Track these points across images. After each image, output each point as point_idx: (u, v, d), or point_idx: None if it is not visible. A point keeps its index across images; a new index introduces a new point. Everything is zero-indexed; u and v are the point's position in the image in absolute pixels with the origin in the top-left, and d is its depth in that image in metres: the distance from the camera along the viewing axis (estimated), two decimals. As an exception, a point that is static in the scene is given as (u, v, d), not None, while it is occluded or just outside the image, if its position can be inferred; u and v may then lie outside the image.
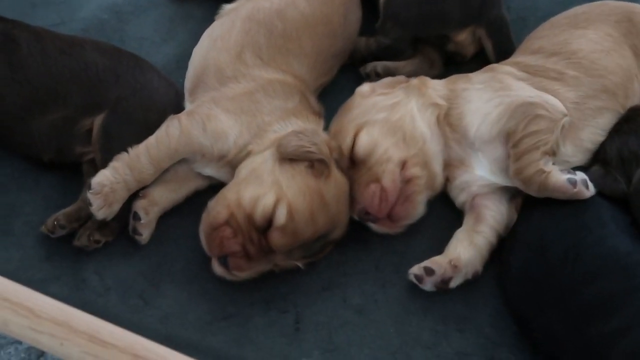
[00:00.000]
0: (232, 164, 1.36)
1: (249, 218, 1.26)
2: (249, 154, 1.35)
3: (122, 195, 1.30)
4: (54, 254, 1.34)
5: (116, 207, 1.30)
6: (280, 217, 1.25)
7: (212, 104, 1.38)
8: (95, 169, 1.37)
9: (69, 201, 1.37)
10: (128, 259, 1.34)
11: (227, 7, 1.61)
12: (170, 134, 1.34)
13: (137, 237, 1.34)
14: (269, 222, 1.25)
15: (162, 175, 1.37)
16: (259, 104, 1.39)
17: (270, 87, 1.42)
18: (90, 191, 1.28)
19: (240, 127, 1.36)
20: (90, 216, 1.32)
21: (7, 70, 1.39)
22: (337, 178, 1.32)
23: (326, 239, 1.30)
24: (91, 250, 1.33)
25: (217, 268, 1.28)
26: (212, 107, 1.37)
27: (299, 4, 1.53)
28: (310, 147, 1.30)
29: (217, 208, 1.28)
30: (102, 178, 1.29)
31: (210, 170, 1.39)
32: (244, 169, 1.33)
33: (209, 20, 1.62)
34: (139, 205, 1.33)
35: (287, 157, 1.30)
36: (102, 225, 1.31)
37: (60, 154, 1.40)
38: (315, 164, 1.29)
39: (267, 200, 1.26)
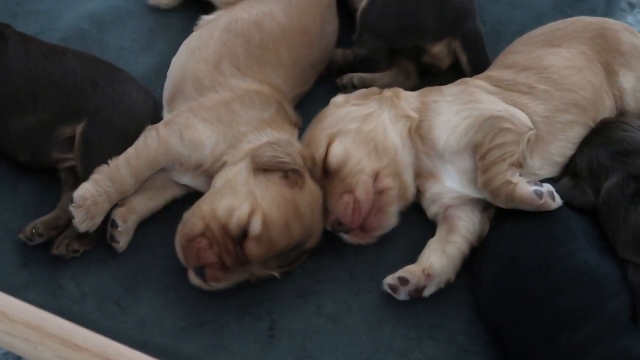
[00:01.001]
0: (209, 174, 1.39)
1: (225, 229, 1.29)
2: (224, 164, 1.38)
3: (104, 208, 1.33)
4: (31, 261, 1.36)
5: (98, 220, 1.33)
6: (255, 227, 1.28)
7: (190, 114, 1.42)
8: (73, 177, 1.40)
9: (48, 208, 1.40)
10: (105, 266, 1.37)
11: (205, 18, 1.65)
12: (149, 144, 1.37)
13: (114, 244, 1.37)
14: (244, 232, 1.28)
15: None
16: (236, 114, 1.42)
17: (247, 97, 1.45)
18: (72, 204, 1.31)
19: (216, 136, 1.39)
20: (68, 224, 1.35)
21: None
22: (311, 188, 1.35)
23: (301, 248, 1.33)
24: (69, 258, 1.35)
25: (194, 278, 1.31)
26: (189, 117, 1.41)
27: (276, 15, 1.57)
28: (284, 158, 1.33)
29: (193, 219, 1.31)
30: (84, 191, 1.32)
31: (187, 179, 1.42)
32: (219, 180, 1.36)
33: (187, 30, 1.65)
34: (117, 213, 1.36)
35: (262, 168, 1.33)
36: (81, 234, 1.34)
37: (35, 157, 1.43)
38: (289, 174, 1.33)
39: (241, 211, 1.29)
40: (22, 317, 1.13)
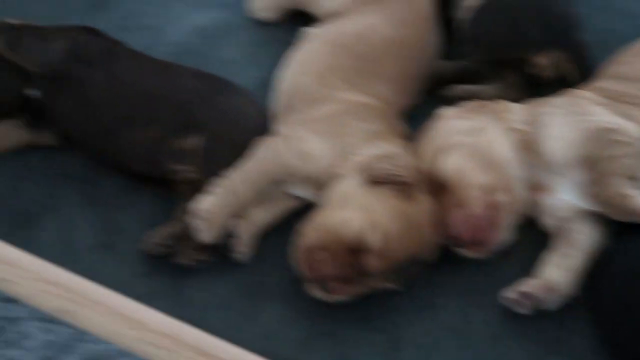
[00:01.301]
0: (321, 185, 1.43)
1: (342, 242, 1.32)
2: (336, 177, 1.41)
3: (223, 218, 1.38)
4: (155, 271, 1.41)
5: (219, 231, 1.38)
6: (372, 240, 1.31)
7: (301, 126, 1.45)
8: (190, 188, 1.44)
9: (167, 219, 1.44)
10: (227, 277, 1.41)
11: (311, 31, 1.67)
12: (264, 156, 1.41)
13: (235, 255, 1.40)
14: (361, 245, 1.31)
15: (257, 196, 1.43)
16: (346, 127, 1.45)
17: (356, 109, 1.48)
18: (192, 216, 1.36)
19: (327, 148, 1.43)
20: (189, 234, 1.39)
21: (104, 82, 1.49)
22: (424, 201, 1.38)
23: (419, 260, 1.36)
24: (191, 268, 1.39)
25: (314, 290, 1.35)
26: (300, 129, 1.45)
27: (381, 27, 1.60)
28: (396, 171, 1.36)
29: (310, 232, 1.35)
30: (205, 204, 1.37)
31: (300, 191, 1.46)
32: (332, 193, 1.39)
33: (293, 44, 1.69)
34: (238, 225, 1.40)
35: (374, 181, 1.36)
36: (203, 245, 1.38)
37: (150, 168, 1.48)
38: (401, 187, 1.35)
39: (357, 224, 1.32)
40: (156, 326, 1.17)
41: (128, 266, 1.43)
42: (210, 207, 1.37)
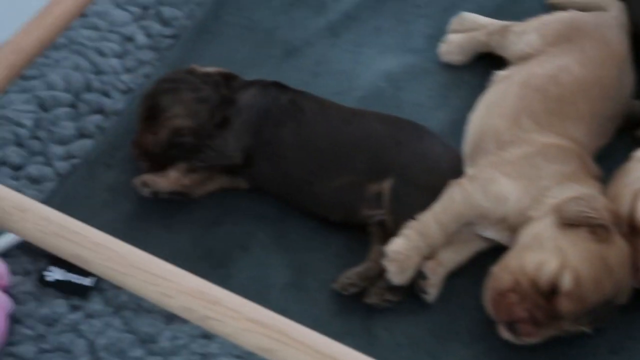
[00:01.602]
0: (512, 228, 1.44)
1: (534, 284, 1.32)
2: (528, 219, 1.42)
3: (415, 261, 1.41)
4: (346, 310, 1.46)
5: (410, 273, 1.41)
6: (566, 283, 1.31)
7: (492, 168, 1.47)
8: (381, 231, 1.49)
9: (357, 260, 1.50)
10: (416, 317, 1.45)
11: (499, 73, 1.70)
12: (455, 198, 1.43)
13: (424, 296, 1.44)
14: (554, 288, 1.32)
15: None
16: (538, 169, 1.46)
17: (548, 151, 1.48)
18: (385, 258, 1.40)
19: (520, 191, 1.44)
20: (379, 275, 1.43)
21: (295, 138, 1.55)
22: (619, 243, 1.36)
23: (612, 303, 1.34)
24: (381, 308, 1.43)
25: (504, 333, 1.36)
26: (492, 172, 1.46)
27: (573, 68, 1.60)
28: (590, 213, 1.35)
29: (501, 275, 1.36)
30: (395, 246, 1.41)
31: (491, 233, 1.47)
32: (524, 235, 1.40)
33: (480, 86, 1.72)
34: (427, 266, 1.43)
35: (568, 223, 1.35)
36: (393, 285, 1.41)
37: (347, 216, 1.53)
38: (596, 230, 1.34)
39: (551, 267, 1.32)
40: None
41: (318, 306, 1.48)
42: (402, 250, 1.41)
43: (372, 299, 1.44)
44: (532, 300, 1.32)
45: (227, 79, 1.65)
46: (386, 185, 1.49)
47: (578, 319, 1.33)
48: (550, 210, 1.40)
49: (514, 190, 1.43)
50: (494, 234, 1.47)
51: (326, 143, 1.55)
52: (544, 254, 1.34)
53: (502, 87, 1.63)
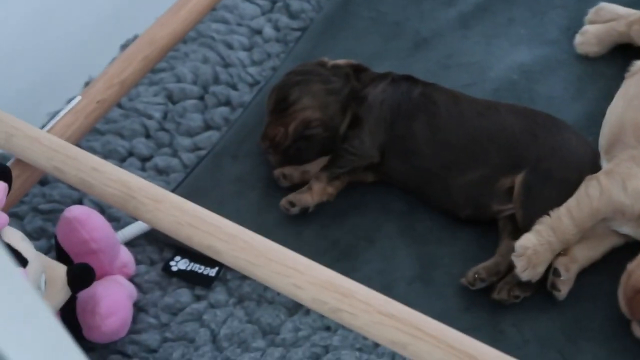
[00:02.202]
0: None
1: None
2: None
3: (546, 257, 1.40)
4: (473, 305, 1.46)
5: (540, 269, 1.40)
6: None
7: (632, 163, 1.44)
8: (512, 225, 1.49)
9: (485, 255, 1.50)
10: (545, 314, 1.43)
11: (638, 64, 1.66)
12: (591, 194, 1.42)
13: (555, 292, 1.43)
14: None
15: None
16: None
17: None
18: (514, 254, 1.40)
19: None
20: (508, 270, 1.43)
21: (427, 131, 1.56)
22: None
23: None
24: (509, 304, 1.43)
25: (638, 331, 1.33)
26: (631, 166, 1.44)
27: None
28: None
29: (638, 272, 1.34)
30: (525, 241, 1.40)
31: (628, 229, 1.45)
32: None
33: (618, 78, 1.69)
34: (560, 262, 1.42)
35: None
36: (522, 281, 1.41)
37: (477, 211, 1.53)
38: None
39: None
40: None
41: (445, 300, 1.49)
42: (534, 246, 1.40)
43: (500, 295, 1.44)
44: None
45: (358, 71, 1.68)
46: (518, 179, 1.48)
47: None
48: None
49: None
50: (631, 230, 1.45)
51: (459, 136, 1.55)
52: None
53: None
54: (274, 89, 1.66)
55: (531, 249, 1.40)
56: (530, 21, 1.94)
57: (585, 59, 1.84)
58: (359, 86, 1.64)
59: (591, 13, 1.89)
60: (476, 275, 1.45)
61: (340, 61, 1.70)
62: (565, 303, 1.44)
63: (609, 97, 1.66)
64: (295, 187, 1.62)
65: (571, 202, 1.43)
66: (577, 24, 1.89)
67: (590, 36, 1.84)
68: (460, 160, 1.54)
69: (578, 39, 1.85)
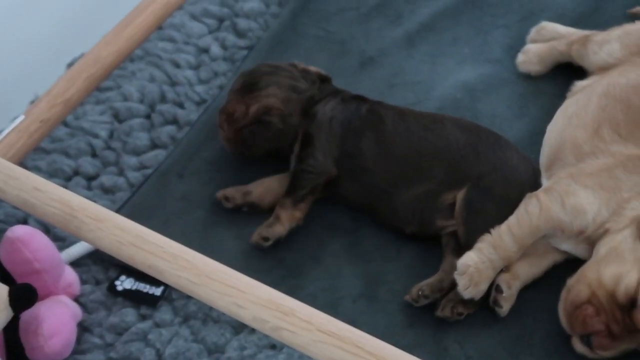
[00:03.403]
0: (590, 241, 1.42)
1: (612, 297, 1.31)
2: (606, 232, 1.40)
3: (488, 274, 1.41)
4: (417, 322, 1.46)
5: (483, 287, 1.41)
6: None
7: (570, 180, 1.46)
8: (454, 242, 1.49)
9: (429, 272, 1.50)
10: (488, 330, 1.44)
11: (579, 83, 1.69)
12: (530, 211, 1.43)
13: (497, 309, 1.43)
14: (633, 302, 1.30)
15: None
16: (618, 181, 1.44)
17: (630, 163, 1.46)
18: (456, 272, 1.40)
19: (598, 203, 1.42)
20: (452, 287, 1.43)
21: (375, 148, 1.57)
22: None
23: None
24: (452, 321, 1.43)
25: (579, 346, 1.35)
26: (570, 183, 1.45)
27: None
28: None
29: (578, 287, 1.35)
30: (467, 259, 1.41)
31: (567, 246, 1.46)
32: (602, 248, 1.39)
33: (559, 96, 1.71)
34: (502, 279, 1.43)
35: None
36: (465, 298, 1.41)
37: (422, 226, 1.53)
38: None
39: (630, 279, 1.31)
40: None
41: (390, 317, 1.49)
42: (475, 264, 1.41)
43: (444, 312, 1.44)
44: (609, 313, 1.31)
45: (322, 80, 1.71)
46: (460, 195, 1.49)
47: None
48: (630, 223, 1.38)
49: (593, 202, 1.42)
50: (571, 247, 1.46)
51: (406, 151, 1.56)
52: (624, 266, 1.33)
53: (582, 97, 1.62)
54: (243, 74, 1.69)
55: (473, 267, 1.40)
56: (474, 40, 1.95)
57: (527, 77, 1.86)
58: (318, 95, 1.66)
59: (533, 32, 1.91)
60: (420, 292, 1.45)
61: (311, 67, 1.72)
62: (507, 319, 1.45)
63: (550, 116, 1.68)
64: (239, 208, 1.60)
65: (511, 219, 1.43)
66: (519, 43, 1.91)
67: (532, 55, 1.85)
68: (406, 174, 1.55)
69: (520, 57, 1.87)
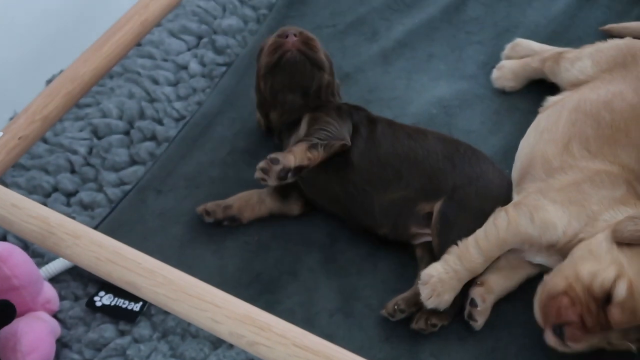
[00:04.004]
0: (563, 252, 1.43)
1: (588, 290, 1.33)
2: (580, 241, 1.42)
3: (452, 285, 1.42)
4: (393, 336, 1.47)
5: (447, 297, 1.42)
6: (620, 292, 1.31)
7: (539, 195, 1.47)
8: (429, 256, 1.51)
9: (405, 286, 1.51)
10: (463, 343, 1.45)
11: (551, 99, 1.71)
12: (498, 225, 1.44)
13: (472, 322, 1.44)
14: (608, 296, 1.32)
15: (496, 263, 1.47)
16: (586, 195, 1.45)
17: (597, 177, 1.48)
18: (420, 282, 1.42)
19: (568, 217, 1.43)
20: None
21: (363, 144, 1.59)
22: None
23: None
24: (427, 334, 1.44)
25: (551, 339, 1.36)
26: (539, 198, 1.46)
27: (627, 94, 1.59)
28: None
29: (555, 279, 1.37)
30: (431, 270, 1.43)
31: (540, 259, 1.48)
32: (579, 250, 1.40)
33: (533, 112, 1.73)
34: (476, 292, 1.44)
35: (624, 242, 1.35)
36: (438, 310, 1.43)
37: (395, 230, 1.55)
38: None
39: (606, 275, 1.32)
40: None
41: (366, 331, 1.50)
42: (439, 274, 1.42)
43: (418, 324, 1.46)
44: (584, 305, 1.33)
45: None
46: (436, 207, 1.51)
47: (627, 333, 1.33)
48: (604, 228, 1.39)
49: (562, 216, 1.43)
50: (544, 260, 1.48)
51: (389, 155, 1.59)
52: (600, 265, 1.34)
53: (553, 113, 1.64)
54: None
55: (436, 277, 1.42)
56: (449, 57, 1.97)
57: (501, 93, 1.88)
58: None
59: (508, 49, 1.92)
60: (396, 307, 1.46)
61: None
62: (482, 332, 1.47)
63: (523, 131, 1.69)
64: (219, 222, 1.61)
65: (479, 232, 1.45)
66: (494, 60, 1.93)
67: (507, 71, 1.87)
68: (386, 177, 1.57)
69: (495, 73, 1.89)
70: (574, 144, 1.53)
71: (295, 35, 1.61)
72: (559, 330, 1.34)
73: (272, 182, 1.47)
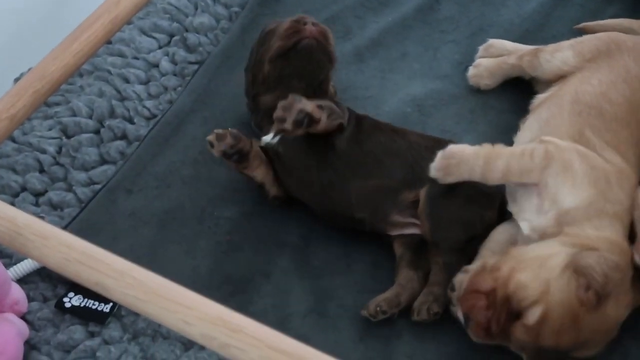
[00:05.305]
0: (544, 237, 1.42)
1: (506, 300, 1.33)
2: (546, 238, 1.41)
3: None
4: (367, 337, 1.46)
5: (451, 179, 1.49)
6: (532, 316, 1.31)
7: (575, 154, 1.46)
8: (410, 254, 1.52)
9: (378, 286, 1.51)
10: (437, 344, 1.45)
11: (539, 97, 1.70)
12: (535, 157, 1.47)
13: (451, 307, 1.45)
14: (520, 313, 1.32)
15: (481, 253, 1.48)
16: (610, 186, 1.44)
17: (622, 176, 1.47)
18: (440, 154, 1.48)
19: (588, 197, 1.42)
20: (409, 300, 1.47)
21: (349, 133, 1.60)
22: (606, 314, 1.34)
23: (567, 354, 1.35)
24: (403, 333, 1.45)
25: (460, 316, 1.38)
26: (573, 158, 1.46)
27: (619, 86, 1.58)
28: (599, 278, 1.32)
29: (487, 276, 1.36)
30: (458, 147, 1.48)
31: (524, 225, 1.47)
32: (533, 251, 1.39)
33: (507, 111, 1.75)
34: (457, 279, 1.43)
35: (574, 269, 1.34)
36: (438, 297, 1.45)
37: (374, 216, 1.54)
38: (590, 293, 1.32)
39: (529, 294, 1.32)
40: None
41: (340, 332, 1.48)
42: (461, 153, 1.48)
43: (420, 316, 1.46)
44: (497, 313, 1.33)
45: None
46: (422, 192, 1.52)
47: (524, 348, 1.35)
48: (573, 245, 1.38)
49: (584, 190, 1.42)
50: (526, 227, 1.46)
51: (373, 145, 1.59)
52: (533, 280, 1.33)
53: (552, 105, 1.61)
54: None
55: (457, 158, 1.47)
56: (424, 56, 1.96)
57: (476, 92, 1.87)
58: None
59: (482, 50, 1.92)
60: (378, 308, 1.46)
61: None
62: (457, 332, 1.45)
63: (499, 130, 1.70)
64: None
65: (515, 148, 1.50)
66: (468, 59, 1.92)
67: (483, 69, 1.87)
68: (367, 166, 1.57)
69: (471, 71, 1.88)
70: (587, 132, 1.51)
71: (312, 24, 1.62)
72: (465, 319, 1.35)
73: (289, 123, 1.47)
